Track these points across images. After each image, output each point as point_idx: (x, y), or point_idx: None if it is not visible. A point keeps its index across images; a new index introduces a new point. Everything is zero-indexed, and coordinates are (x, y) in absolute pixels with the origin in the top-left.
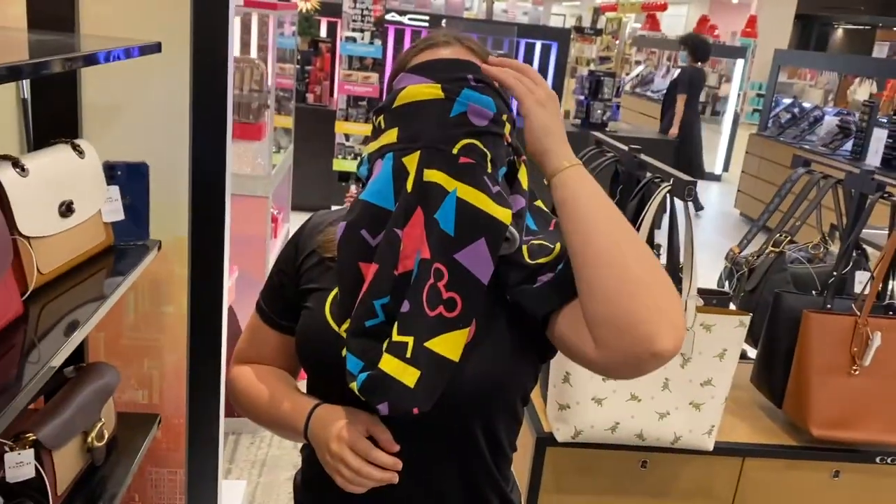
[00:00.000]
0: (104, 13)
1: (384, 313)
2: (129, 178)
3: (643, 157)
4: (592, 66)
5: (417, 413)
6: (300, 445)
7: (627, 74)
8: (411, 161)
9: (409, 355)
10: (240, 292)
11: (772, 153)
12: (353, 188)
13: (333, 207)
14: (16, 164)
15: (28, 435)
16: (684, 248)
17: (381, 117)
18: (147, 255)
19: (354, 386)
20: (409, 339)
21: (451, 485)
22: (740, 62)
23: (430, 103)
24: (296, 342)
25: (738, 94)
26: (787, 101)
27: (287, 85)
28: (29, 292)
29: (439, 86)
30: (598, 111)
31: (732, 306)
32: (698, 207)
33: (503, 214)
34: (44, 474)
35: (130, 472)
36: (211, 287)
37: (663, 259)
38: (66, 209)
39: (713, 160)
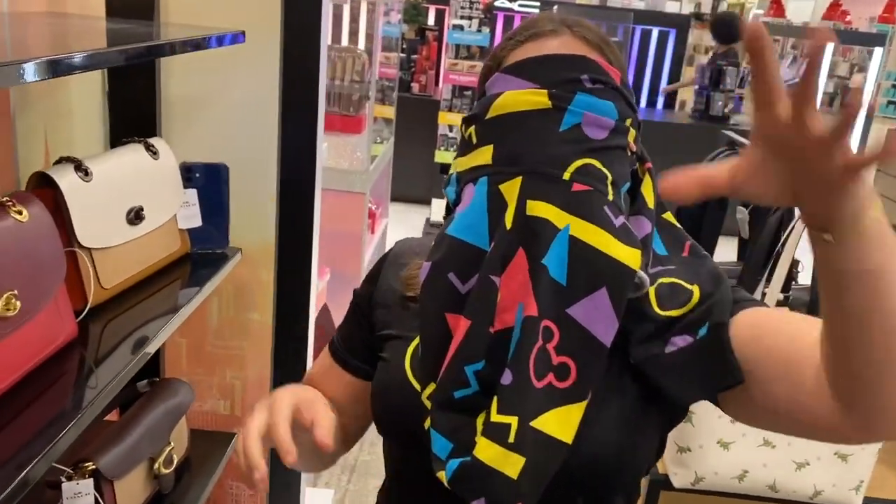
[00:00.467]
0: (186, 1)
1: (477, 381)
2: (208, 181)
3: None
4: (712, 53)
5: None
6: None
7: (748, 66)
8: (510, 189)
9: (511, 440)
10: (334, 291)
11: None
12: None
13: (427, 223)
14: (78, 167)
15: (87, 464)
16: None
17: (471, 128)
18: (226, 263)
19: (443, 475)
20: (513, 420)
21: None
22: (878, 50)
23: (533, 115)
24: (371, 401)
25: (875, 85)
26: None
27: (391, 74)
28: (87, 310)
29: (545, 92)
30: (719, 103)
31: None
32: None
33: (630, 256)
34: None
35: (203, 496)
36: (298, 295)
37: (804, 278)
38: (136, 216)
39: None
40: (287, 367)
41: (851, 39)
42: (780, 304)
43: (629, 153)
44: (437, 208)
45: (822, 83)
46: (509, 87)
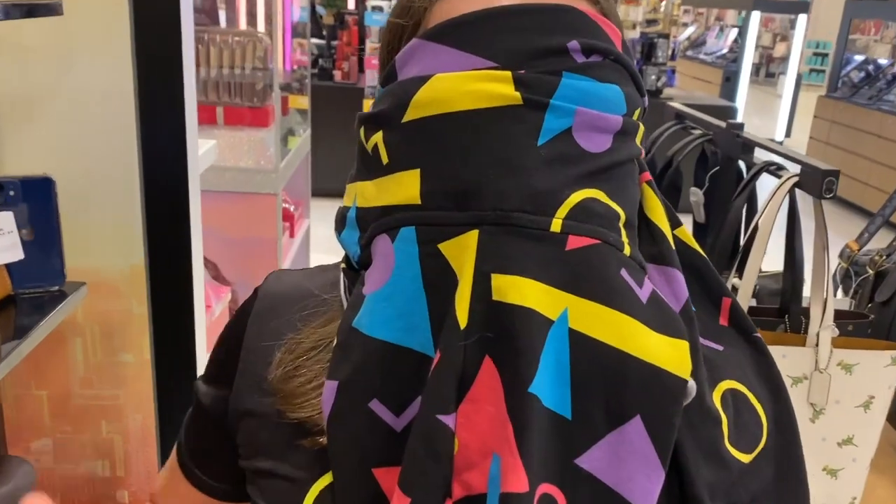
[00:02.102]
0: None
1: None
2: (28, 200)
3: (748, 134)
4: (640, 30)
5: None
6: None
7: (677, 38)
8: (459, 252)
9: None
10: None
11: (845, 117)
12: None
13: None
14: None
15: None
16: (814, 262)
17: (377, 136)
18: (61, 304)
19: None
20: None
21: None
22: (802, 17)
23: (490, 117)
24: None
25: (804, 52)
26: (859, 58)
27: (303, 62)
28: None
29: (509, 74)
30: (653, 76)
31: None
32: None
33: (674, 356)
34: None
35: None
36: (180, 327)
37: (770, 264)
38: None
39: (773, 126)
40: (175, 413)
41: (773, 8)
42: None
43: (637, 165)
44: None
45: (749, 54)
46: (442, 66)
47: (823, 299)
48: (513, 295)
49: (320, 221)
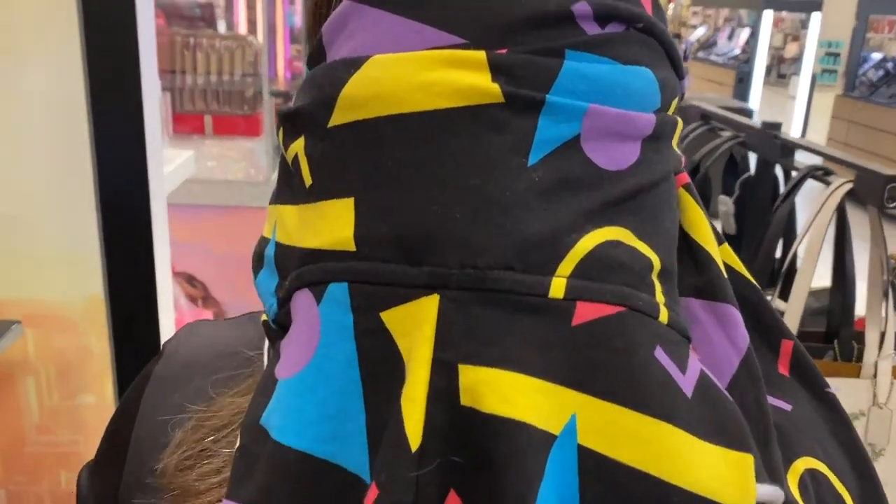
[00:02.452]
0: None
1: None
2: None
3: (789, 136)
4: None
5: None
6: None
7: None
8: (411, 325)
9: None
10: None
11: (864, 116)
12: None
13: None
14: None
15: None
16: (869, 282)
17: (298, 144)
18: None
19: None
20: None
21: None
22: (816, 15)
23: (455, 123)
24: None
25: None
26: (877, 56)
27: (300, 69)
28: None
29: (484, 57)
30: None
31: None
32: None
33: (734, 483)
34: None
35: None
36: (144, 363)
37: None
38: None
39: (787, 128)
40: None
41: (785, 6)
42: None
43: (674, 181)
44: None
45: (763, 54)
46: (384, 43)
47: (882, 323)
48: (491, 399)
49: None
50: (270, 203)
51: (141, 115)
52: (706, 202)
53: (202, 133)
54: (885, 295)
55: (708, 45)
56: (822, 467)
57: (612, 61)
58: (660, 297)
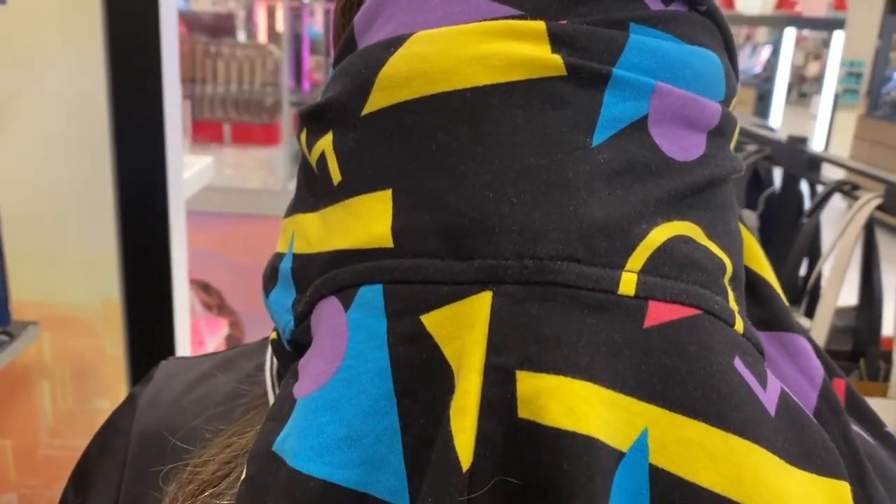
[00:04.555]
0: None
1: None
2: None
3: (815, 150)
4: None
5: None
6: None
7: None
8: (459, 328)
9: None
10: (254, 335)
11: (888, 137)
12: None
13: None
14: None
15: None
16: None
17: (325, 140)
18: (7, 348)
19: None
20: None
21: None
22: (838, 34)
23: (512, 99)
24: None
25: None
26: None
27: (320, 80)
28: None
29: (543, 28)
30: None
31: None
32: None
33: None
34: None
35: None
36: None
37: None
38: None
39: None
40: None
41: (806, 25)
42: None
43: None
44: None
45: (785, 72)
46: (428, 20)
47: None
48: (554, 411)
49: None
50: (286, 216)
51: (161, 121)
52: None
53: (221, 141)
54: None
55: None
56: None
57: (677, 39)
58: (733, 304)
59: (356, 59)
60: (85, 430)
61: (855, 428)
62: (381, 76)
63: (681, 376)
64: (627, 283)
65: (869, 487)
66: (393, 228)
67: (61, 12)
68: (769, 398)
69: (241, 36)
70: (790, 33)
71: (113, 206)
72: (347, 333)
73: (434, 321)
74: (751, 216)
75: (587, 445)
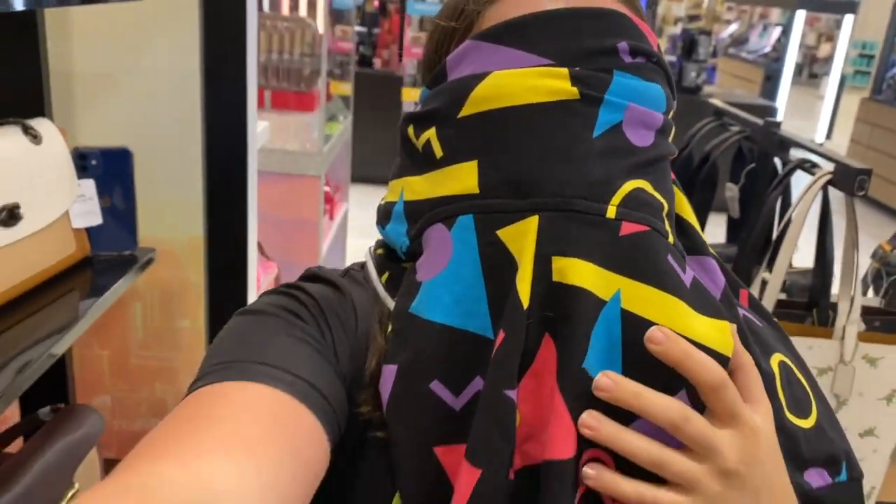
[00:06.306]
0: None
1: None
2: (108, 169)
3: (786, 132)
4: (681, 26)
5: None
6: None
7: (719, 35)
8: (519, 237)
9: None
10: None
11: (888, 121)
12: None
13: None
14: None
15: None
16: (843, 258)
17: (430, 132)
18: (133, 268)
19: None
20: None
21: None
22: (849, 17)
23: (549, 110)
24: None
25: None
26: None
27: (347, 49)
28: None
29: (566, 71)
30: (692, 73)
31: None
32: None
33: (717, 336)
34: None
35: None
36: (233, 298)
37: (800, 261)
38: (10, 215)
39: (813, 127)
40: None
41: (819, 7)
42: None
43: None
44: None
45: (793, 53)
46: (498, 64)
47: (851, 295)
48: (571, 276)
49: (358, 208)
50: (393, 178)
51: (244, 87)
52: (713, 188)
53: (262, 107)
54: (855, 272)
55: (740, 41)
56: (788, 360)
57: (639, 78)
58: (668, 227)
59: (454, 85)
60: (169, 344)
61: (748, 314)
62: (472, 96)
63: (639, 261)
64: (611, 212)
65: (743, 335)
66: (479, 183)
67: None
68: (687, 278)
69: (285, 9)
70: (801, 15)
71: (201, 160)
72: (452, 243)
73: (505, 234)
74: (733, 188)
75: (587, 294)
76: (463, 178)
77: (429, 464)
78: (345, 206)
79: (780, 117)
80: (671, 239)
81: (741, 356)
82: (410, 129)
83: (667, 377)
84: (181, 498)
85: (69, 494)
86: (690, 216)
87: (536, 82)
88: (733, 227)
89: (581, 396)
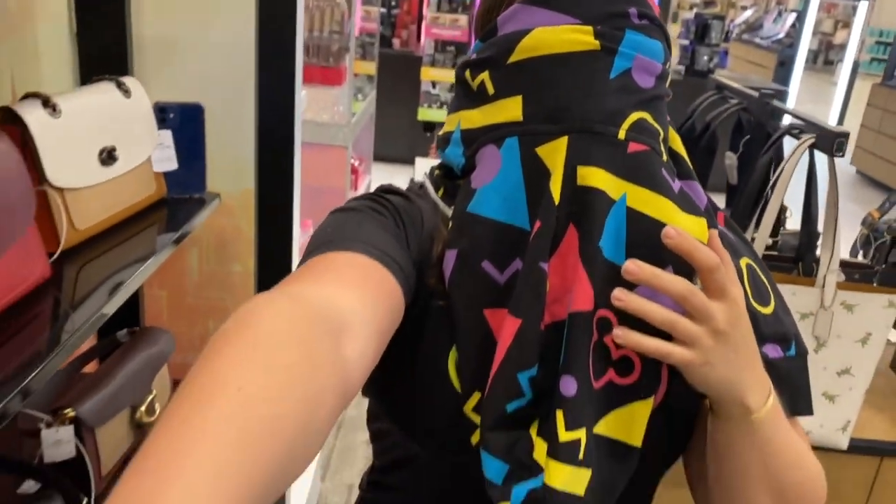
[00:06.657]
0: None
1: (532, 389)
2: (183, 122)
3: (777, 103)
4: (695, 11)
5: None
6: None
7: (733, 21)
8: (553, 153)
9: (581, 456)
10: None
11: None
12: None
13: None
14: (46, 102)
15: (67, 410)
16: (826, 214)
17: (483, 75)
18: (204, 209)
19: None
20: (581, 433)
21: None
22: (863, 4)
23: (576, 58)
24: (401, 409)
25: (860, 40)
26: None
27: (371, 29)
28: (59, 251)
29: (590, 29)
30: (704, 57)
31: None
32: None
33: (695, 227)
34: (85, 454)
35: None
36: (279, 245)
37: (792, 224)
38: (108, 156)
39: (826, 112)
40: None
41: None
42: (768, 248)
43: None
44: (422, 168)
45: (806, 39)
46: (537, 23)
47: (832, 247)
48: (591, 180)
49: (377, 182)
50: (450, 112)
51: (293, 60)
52: (713, 156)
53: None
54: (836, 227)
55: (755, 27)
56: (753, 263)
57: (645, 36)
58: (663, 150)
59: (504, 38)
60: (221, 286)
61: (723, 230)
62: (520, 46)
63: (641, 172)
64: (622, 134)
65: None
66: (523, 112)
67: None
68: (675, 186)
69: None
70: (815, 2)
71: (254, 122)
72: (501, 159)
73: (542, 150)
74: (731, 157)
75: (602, 193)
76: (510, 110)
77: (479, 322)
78: (368, 178)
79: (791, 102)
80: (665, 159)
81: (721, 252)
82: (468, 73)
83: (659, 256)
84: (320, 304)
85: (148, 399)
86: (681, 149)
87: (569, 36)
88: (732, 194)
89: (597, 267)
